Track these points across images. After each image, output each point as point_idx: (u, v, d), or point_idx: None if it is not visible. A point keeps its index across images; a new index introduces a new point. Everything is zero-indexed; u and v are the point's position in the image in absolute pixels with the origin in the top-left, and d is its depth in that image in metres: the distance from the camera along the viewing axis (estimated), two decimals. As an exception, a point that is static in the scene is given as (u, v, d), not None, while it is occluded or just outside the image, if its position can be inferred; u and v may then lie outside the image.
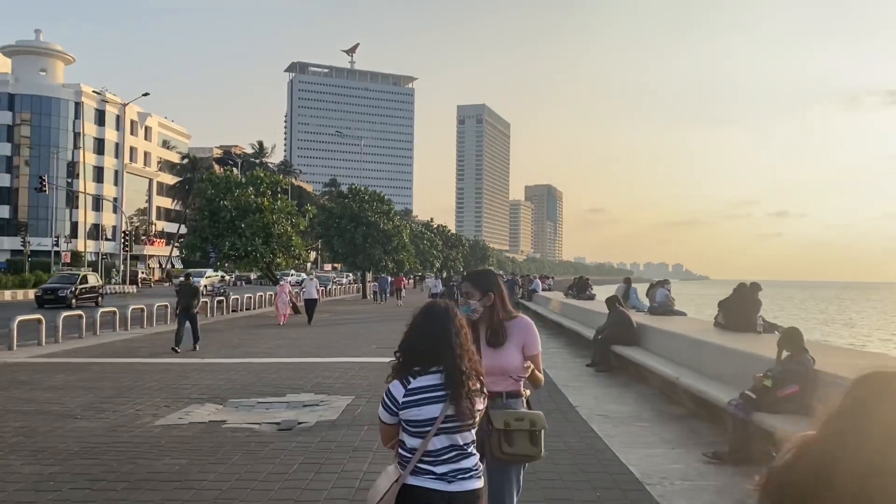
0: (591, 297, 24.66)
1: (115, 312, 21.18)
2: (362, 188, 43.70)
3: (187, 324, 15.60)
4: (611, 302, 13.00)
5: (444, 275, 33.41)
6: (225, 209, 26.63)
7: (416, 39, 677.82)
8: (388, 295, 41.31)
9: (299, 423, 8.22)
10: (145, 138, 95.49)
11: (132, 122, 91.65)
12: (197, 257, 31.27)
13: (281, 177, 35.96)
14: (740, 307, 11.10)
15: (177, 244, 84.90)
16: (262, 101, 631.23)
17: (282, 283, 22.55)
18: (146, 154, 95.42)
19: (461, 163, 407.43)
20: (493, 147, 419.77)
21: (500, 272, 71.63)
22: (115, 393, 10.21)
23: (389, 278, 43.96)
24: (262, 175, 29.16)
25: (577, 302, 22.26)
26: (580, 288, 25.80)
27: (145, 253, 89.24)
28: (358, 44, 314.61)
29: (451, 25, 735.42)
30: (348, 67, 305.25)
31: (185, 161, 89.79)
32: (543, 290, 33.66)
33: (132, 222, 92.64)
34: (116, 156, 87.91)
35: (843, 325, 52.87)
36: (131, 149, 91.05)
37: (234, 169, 49.46)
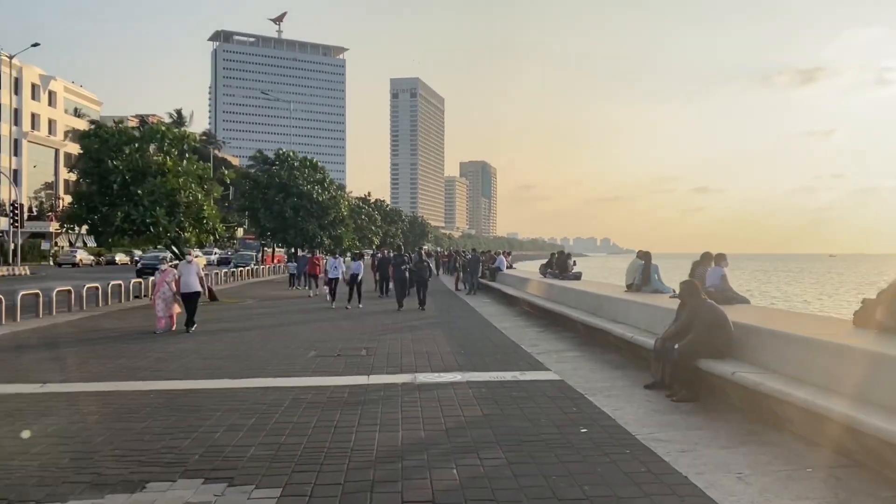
0: (577, 277, 20.19)
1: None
2: (291, 153, 37.95)
3: None
4: (689, 290, 8.34)
5: (390, 253, 26.40)
6: (116, 171, 20.98)
7: (346, 9, 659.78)
8: (307, 278, 30.03)
9: None
10: (49, 104, 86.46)
11: (33, 85, 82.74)
12: (84, 231, 25.33)
13: (188, 131, 29.95)
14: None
15: (53, 214, 76.73)
16: (185, 71, 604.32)
17: (162, 268, 16.09)
18: (51, 122, 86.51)
19: (395, 138, 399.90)
20: (428, 122, 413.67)
21: (463, 250, 66.40)
22: None
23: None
24: (163, 129, 23.33)
25: (568, 283, 17.75)
26: (561, 266, 21.33)
27: (52, 230, 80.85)
28: (285, 12, 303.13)
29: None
30: (275, 37, 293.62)
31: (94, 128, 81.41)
32: (507, 268, 29.12)
33: (38, 197, 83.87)
34: (16, 123, 79.03)
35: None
36: (33, 115, 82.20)
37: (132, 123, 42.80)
